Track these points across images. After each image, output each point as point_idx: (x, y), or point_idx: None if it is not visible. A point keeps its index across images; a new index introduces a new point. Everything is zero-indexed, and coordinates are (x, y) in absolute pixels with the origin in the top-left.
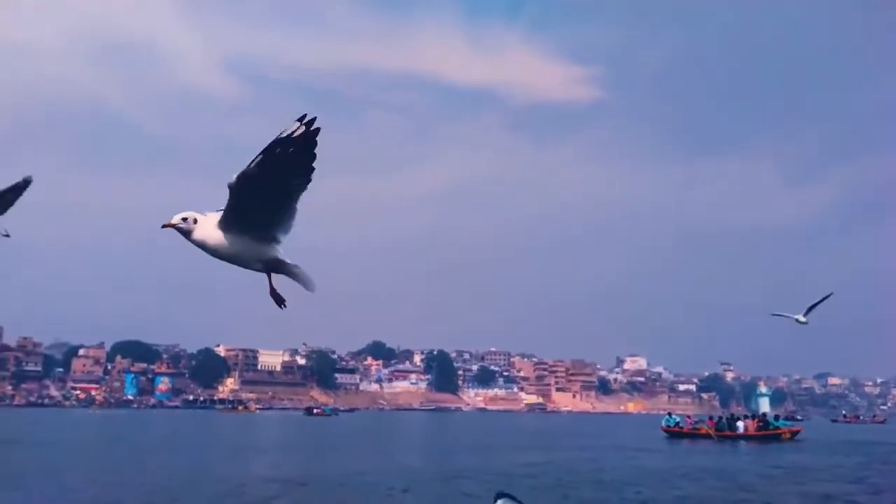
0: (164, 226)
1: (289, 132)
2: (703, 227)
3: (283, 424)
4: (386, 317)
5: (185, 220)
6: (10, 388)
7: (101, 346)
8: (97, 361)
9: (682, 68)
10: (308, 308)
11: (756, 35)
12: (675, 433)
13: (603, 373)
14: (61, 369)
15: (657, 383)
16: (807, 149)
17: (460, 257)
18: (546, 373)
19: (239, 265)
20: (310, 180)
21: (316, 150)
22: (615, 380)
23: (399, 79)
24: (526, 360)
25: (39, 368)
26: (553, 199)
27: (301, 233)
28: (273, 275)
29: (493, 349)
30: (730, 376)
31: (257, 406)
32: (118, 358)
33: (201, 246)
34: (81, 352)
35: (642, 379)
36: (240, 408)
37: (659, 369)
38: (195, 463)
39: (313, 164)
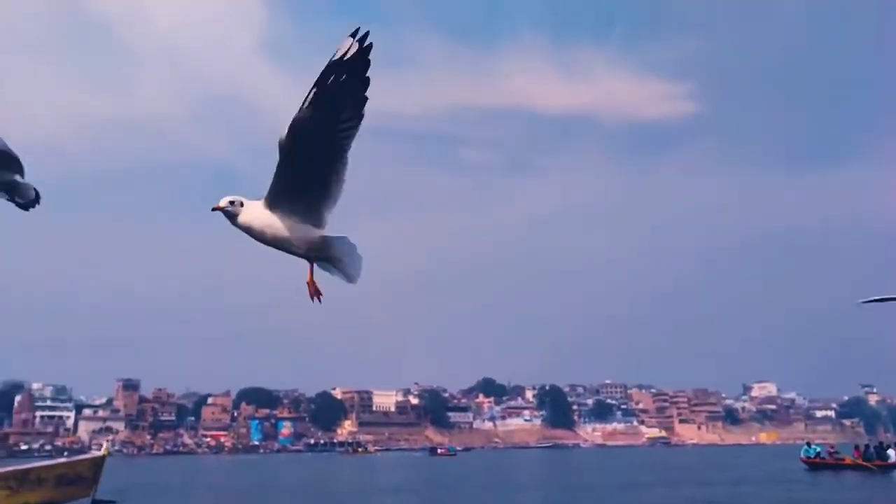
0: (213, 209)
1: (343, 52)
2: (828, 238)
3: (411, 466)
4: (494, 352)
5: (232, 203)
6: (148, 437)
7: (227, 394)
8: (224, 409)
9: (778, 75)
10: (418, 346)
11: (852, 38)
12: (816, 464)
13: (729, 401)
14: (192, 418)
15: (790, 410)
16: None
17: (565, 286)
18: (667, 404)
19: (284, 249)
20: (361, 117)
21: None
22: (743, 408)
23: (491, 112)
24: (644, 391)
25: (173, 418)
26: (657, 218)
27: (402, 268)
28: (316, 266)
29: (607, 381)
30: (873, 400)
31: (376, 448)
32: (243, 405)
33: (247, 229)
34: (210, 400)
35: (773, 406)
36: (359, 450)
37: (791, 395)
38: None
39: (366, 94)
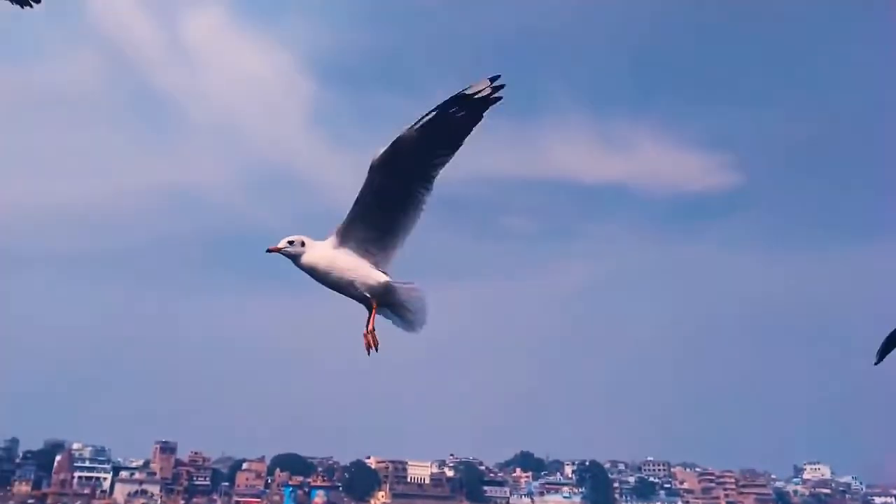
0: (268, 250)
1: (476, 90)
2: (871, 314)
3: None
4: (533, 424)
5: (291, 243)
6: (182, 501)
7: (261, 459)
8: (259, 475)
9: (822, 145)
10: (455, 416)
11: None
12: None
13: (779, 484)
14: (227, 483)
15: (847, 496)
16: None
17: (605, 357)
18: (713, 485)
19: (346, 291)
20: (455, 152)
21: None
22: (795, 492)
23: (531, 182)
24: (688, 469)
25: (208, 482)
26: (700, 291)
27: (440, 336)
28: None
29: (650, 458)
30: None
31: None
32: (277, 471)
33: (311, 269)
34: (245, 465)
35: (827, 491)
36: None
37: (847, 479)
38: None
39: (472, 128)
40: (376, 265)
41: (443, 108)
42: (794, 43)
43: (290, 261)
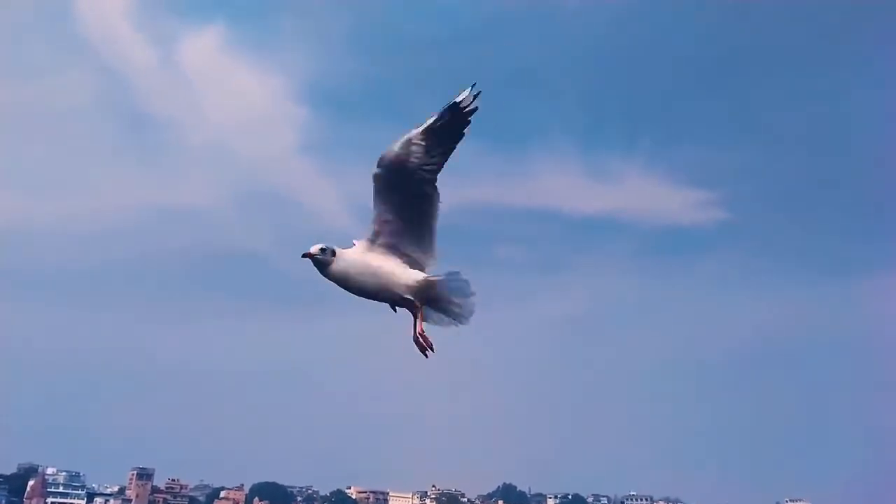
0: (304, 255)
1: (463, 99)
2: (871, 349)
3: None
4: (515, 456)
5: (323, 250)
6: None
7: (240, 487)
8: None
9: (807, 186)
10: (437, 447)
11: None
12: None
13: None
14: None
15: None
16: None
17: (590, 390)
18: None
19: (385, 297)
20: (446, 159)
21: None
22: None
23: (522, 213)
24: None
25: None
26: (684, 324)
27: (423, 365)
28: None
29: (632, 493)
30: None
31: None
32: (256, 500)
33: (342, 278)
34: (223, 494)
35: None
36: None
37: None
38: None
39: (463, 134)
40: (412, 266)
41: (442, 116)
42: (783, 80)
43: (309, 268)
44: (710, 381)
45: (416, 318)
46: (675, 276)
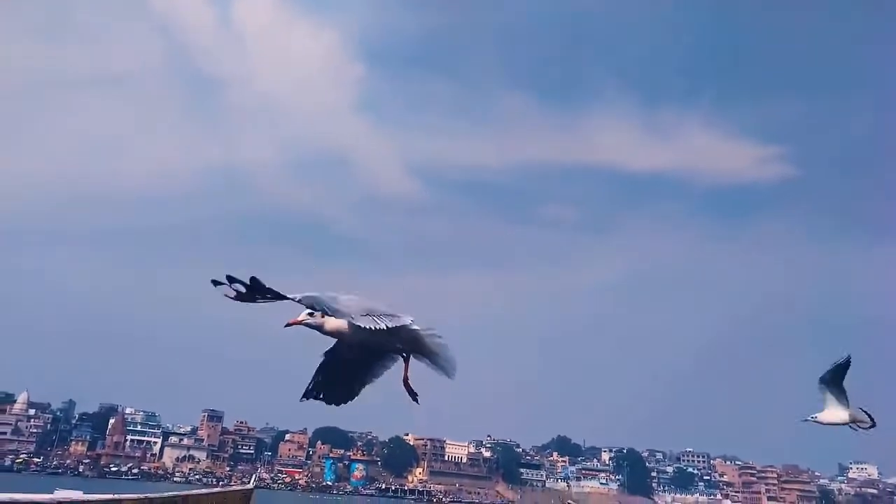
0: (288, 324)
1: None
2: None
3: None
4: (570, 411)
5: (311, 314)
6: (227, 468)
7: (304, 431)
8: (301, 446)
9: (876, 138)
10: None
11: None
12: None
13: (824, 481)
14: (269, 453)
15: (895, 497)
16: None
17: (645, 349)
18: (754, 479)
19: (382, 340)
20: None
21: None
22: (840, 490)
23: (576, 171)
24: (729, 462)
25: (252, 451)
26: (746, 285)
27: (478, 321)
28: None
29: (689, 449)
30: None
31: (447, 499)
32: (319, 444)
33: (340, 333)
34: (287, 437)
35: (874, 491)
36: (435, 501)
37: (894, 481)
38: None
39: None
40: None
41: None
42: (851, 36)
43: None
44: (770, 342)
45: (406, 365)
46: (736, 233)
